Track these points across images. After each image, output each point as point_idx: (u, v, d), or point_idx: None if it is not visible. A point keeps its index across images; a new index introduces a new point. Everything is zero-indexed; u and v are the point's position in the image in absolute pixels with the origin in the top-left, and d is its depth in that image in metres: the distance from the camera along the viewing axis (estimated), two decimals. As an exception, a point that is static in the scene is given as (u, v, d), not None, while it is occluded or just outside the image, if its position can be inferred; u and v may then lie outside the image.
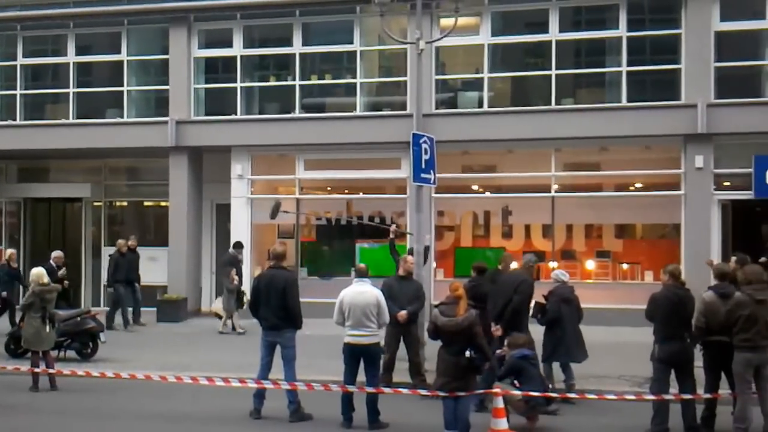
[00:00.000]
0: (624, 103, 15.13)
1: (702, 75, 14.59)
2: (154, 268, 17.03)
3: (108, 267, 15.72)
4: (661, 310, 8.12)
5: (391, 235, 12.15)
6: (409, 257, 10.47)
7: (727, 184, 14.87)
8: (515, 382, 8.25)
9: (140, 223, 19.29)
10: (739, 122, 14.29)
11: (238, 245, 15.34)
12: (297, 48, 16.81)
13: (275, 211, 12.93)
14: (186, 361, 11.72)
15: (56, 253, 14.61)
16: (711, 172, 14.60)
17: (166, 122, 16.83)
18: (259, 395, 8.81)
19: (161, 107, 17.47)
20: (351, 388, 8.38)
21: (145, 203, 19.44)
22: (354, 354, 8.47)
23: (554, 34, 15.51)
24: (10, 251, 15.36)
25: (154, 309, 16.25)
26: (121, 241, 15.80)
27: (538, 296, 9.76)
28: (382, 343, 9.34)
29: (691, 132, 14.45)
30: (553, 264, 15.44)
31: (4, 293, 14.29)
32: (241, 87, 17.08)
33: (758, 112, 14.35)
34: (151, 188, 18.67)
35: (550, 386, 8.96)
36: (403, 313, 9.73)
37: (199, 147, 17.20)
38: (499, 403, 7.76)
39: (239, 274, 14.79)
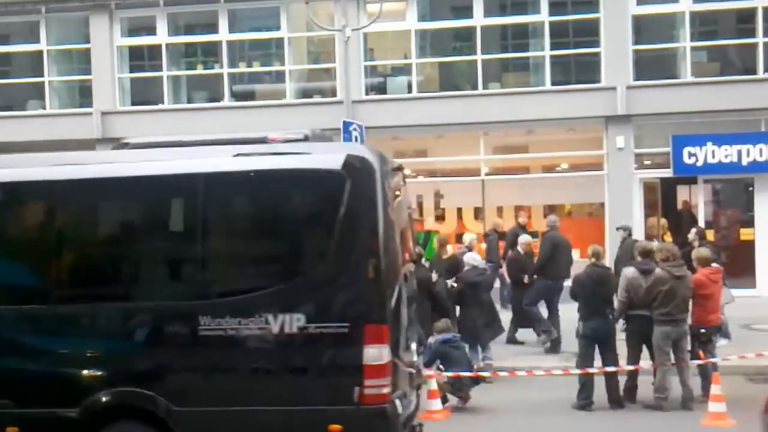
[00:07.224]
0: (548, 86, 15.51)
1: (621, 58, 15.06)
2: None
3: None
4: (584, 289, 8.50)
5: None
6: None
7: (648, 162, 15.48)
8: (440, 366, 8.47)
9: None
10: (657, 103, 14.83)
11: None
12: (224, 35, 16.58)
13: None
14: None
15: None
16: (632, 151, 15.14)
17: (90, 113, 16.39)
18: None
19: (85, 97, 17.00)
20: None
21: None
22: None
23: (479, 19, 15.73)
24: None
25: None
26: None
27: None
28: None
29: (611, 114, 14.94)
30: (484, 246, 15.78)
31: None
32: (167, 75, 16.77)
33: (674, 93, 14.95)
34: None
35: (475, 366, 9.15)
36: None
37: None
38: (432, 385, 7.99)
39: None
